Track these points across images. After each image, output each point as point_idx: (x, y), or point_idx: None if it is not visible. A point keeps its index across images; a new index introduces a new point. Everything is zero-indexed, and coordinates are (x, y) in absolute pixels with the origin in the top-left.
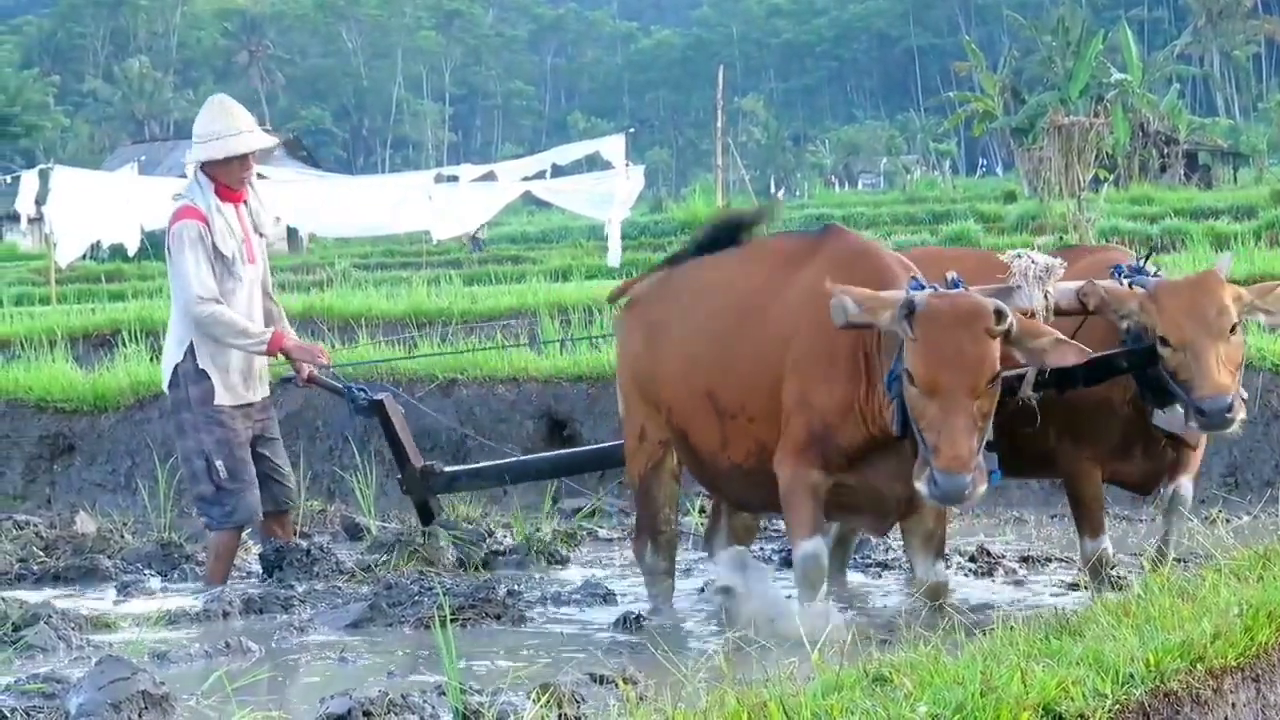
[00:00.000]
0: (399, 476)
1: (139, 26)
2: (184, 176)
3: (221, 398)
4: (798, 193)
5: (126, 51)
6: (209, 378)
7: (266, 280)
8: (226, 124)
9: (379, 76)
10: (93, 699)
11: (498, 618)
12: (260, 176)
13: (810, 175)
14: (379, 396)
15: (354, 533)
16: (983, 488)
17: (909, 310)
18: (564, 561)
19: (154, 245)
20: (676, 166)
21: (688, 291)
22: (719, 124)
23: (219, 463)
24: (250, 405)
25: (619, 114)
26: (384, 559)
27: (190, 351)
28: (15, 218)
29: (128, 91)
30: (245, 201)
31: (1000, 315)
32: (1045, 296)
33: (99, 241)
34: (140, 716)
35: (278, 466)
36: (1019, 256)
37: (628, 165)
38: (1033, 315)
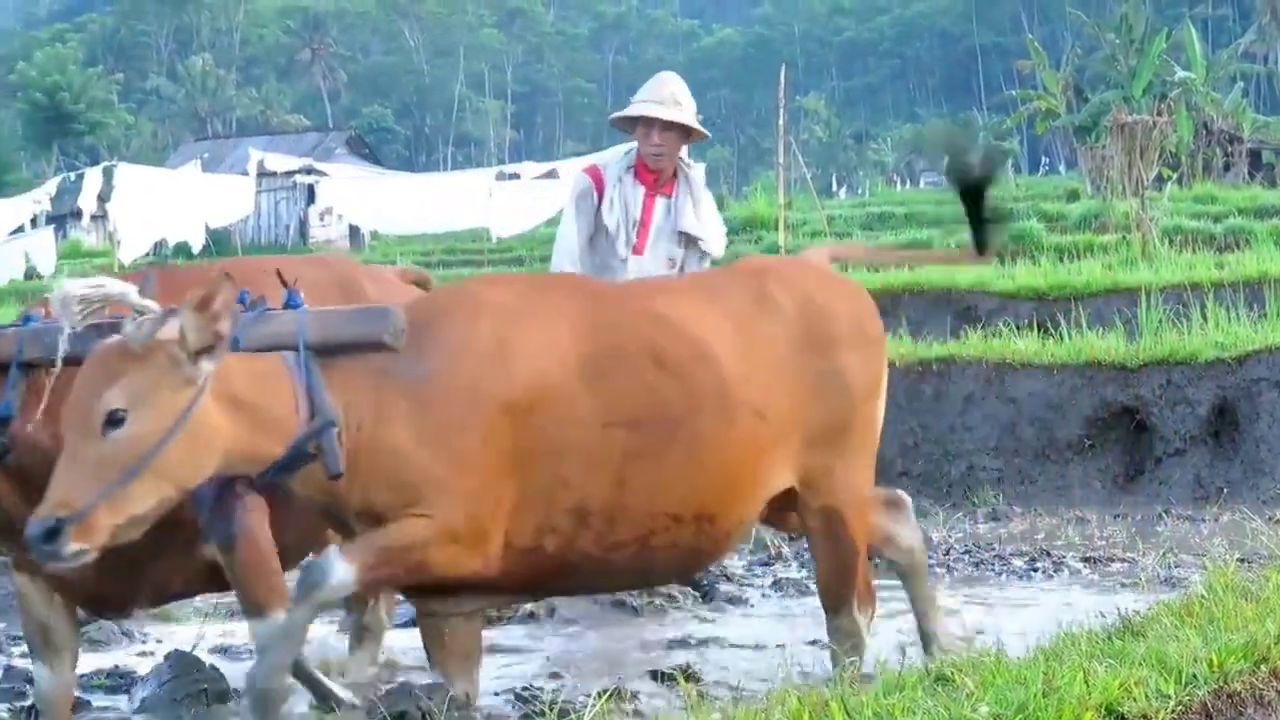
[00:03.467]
0: None
1: (202, 24)
2: (245, 174)
3: None
4: (860, 191)
5: (189, 49)
6: None
7: None
8: (646, 93)
9: (441, 74)
10: (157, 693)
11: (556, 615)
12: (321, 174)
13: (872, 173)
14: None
15: None
16: None
17: None
18: None
19: (218, 243)
20: (738, 165)
21: None
22: (780, 122)
23: None
24: None
25: None
26: None
27: None
28: (79, 215)
29: (191, 89)
30: (671, 196)
31: None
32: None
33: (163, 239)
34: (204, 711)
35: None
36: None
37: (690, 164)
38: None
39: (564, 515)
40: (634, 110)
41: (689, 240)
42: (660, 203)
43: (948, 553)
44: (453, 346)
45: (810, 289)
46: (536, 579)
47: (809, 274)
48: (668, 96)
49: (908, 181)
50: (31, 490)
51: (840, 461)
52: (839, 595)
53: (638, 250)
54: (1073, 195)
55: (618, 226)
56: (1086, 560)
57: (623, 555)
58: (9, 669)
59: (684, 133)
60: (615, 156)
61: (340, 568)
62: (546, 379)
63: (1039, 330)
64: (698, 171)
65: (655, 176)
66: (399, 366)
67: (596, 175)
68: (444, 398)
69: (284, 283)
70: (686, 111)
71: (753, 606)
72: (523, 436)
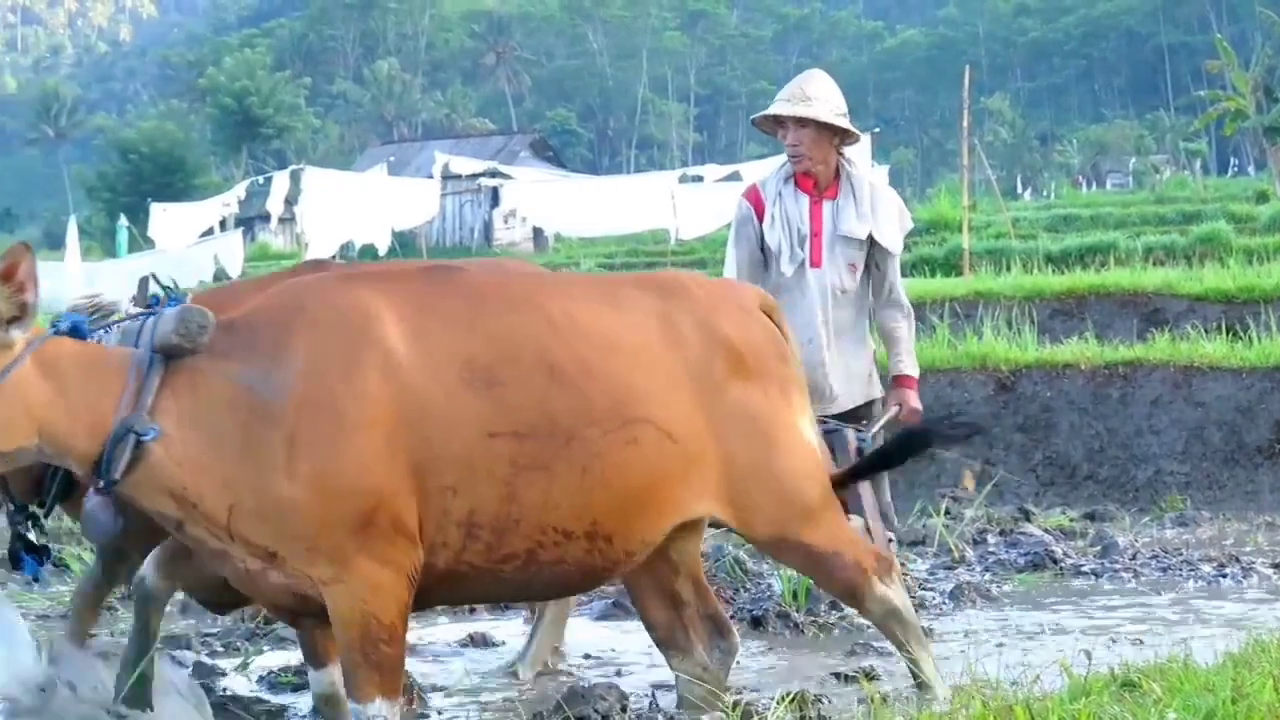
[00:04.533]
0: None
1: (388, 28)
2: (430, 177)
3: None
4: (1045, 193)
5: (376, 53)
6: None
7: (886, 295)
8: (781, 92)
9: (624, 77)
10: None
11: (751, 621)
12: (505, 177)
13: (1057, 175)
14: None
15: None
16: None
17: None
18: None
19: (404, 246)
20: (922, 167)
21: None
22: (965, 124)
23: None
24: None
25: (864, 114)
26: None
27: None
28: (267, 218)
29: (377, 93)
30: (835, 199)
31: None
32: None
33: (350, 241)
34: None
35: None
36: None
37: (873, 166)
38: None
39: (454, 528)
40: (766, 110)
41: (870, 242)
42: (827, 208)
43: (1134, 557)
44: (311, 360)
45: (716, 320)
46: (421, 593)
47: (721, 304)
48: (796, 93)
49: (1093, 184)
50: None
51: (771, 494)
52: (845, 590)
53: (815, 263)
54: (1262, 197)
55: (779, 243)
56: (1276, 566)
57: (509, 567)
58: (198, 665)
59: (823, 130)
60: (773, 170)
61: (374, 708)
62: (421, 387)
63: (1228, 333)
64: (865, 171)
65: (814, 182)
66: (255, 382)
67: (755, 197)
68: (310, 423)
69: (162, 287)
70: (817, 106)
71: (932, 610)
72: (404, 450)
